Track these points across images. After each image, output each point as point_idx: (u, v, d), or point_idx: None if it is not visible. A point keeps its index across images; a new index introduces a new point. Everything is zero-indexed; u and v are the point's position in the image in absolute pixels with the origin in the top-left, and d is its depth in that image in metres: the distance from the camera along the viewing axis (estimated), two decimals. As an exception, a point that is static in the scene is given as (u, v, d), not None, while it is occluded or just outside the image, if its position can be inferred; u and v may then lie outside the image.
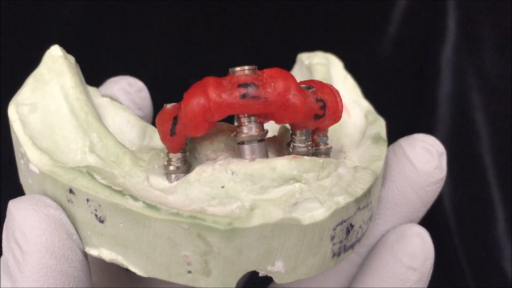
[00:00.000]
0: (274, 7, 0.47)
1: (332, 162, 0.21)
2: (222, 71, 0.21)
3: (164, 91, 0.45)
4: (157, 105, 0.44)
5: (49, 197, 0.21)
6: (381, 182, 0.24)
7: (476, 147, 0.44)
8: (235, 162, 0.20)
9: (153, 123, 0.27)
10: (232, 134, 0.21)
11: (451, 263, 0.42)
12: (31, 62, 0.25)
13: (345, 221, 0.21)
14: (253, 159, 0.20)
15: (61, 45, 0.25)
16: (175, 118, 0.20)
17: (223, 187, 0.20)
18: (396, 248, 0.24)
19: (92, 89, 0.25)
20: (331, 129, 0.25)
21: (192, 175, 0.20)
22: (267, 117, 0.20)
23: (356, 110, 0.27)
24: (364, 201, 0.22)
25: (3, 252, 0.21)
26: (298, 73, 0.30)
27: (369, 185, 0.22)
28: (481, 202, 0.43)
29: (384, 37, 0.47)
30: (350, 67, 0.48)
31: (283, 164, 0.20)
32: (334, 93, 0.21)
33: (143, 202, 0.19)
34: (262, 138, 0.20)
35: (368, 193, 0.22)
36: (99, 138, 0.22)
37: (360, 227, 0.22)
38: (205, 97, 0.19)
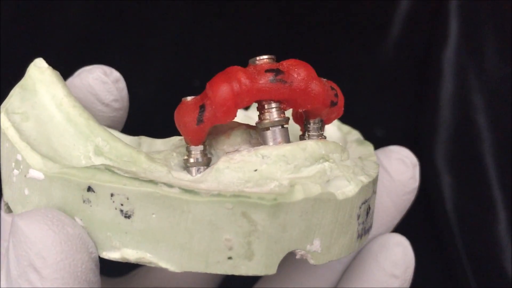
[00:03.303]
0: (276, 9, 0.47)
1: (346, 149, 0.22)
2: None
3: (168, 93, 0.45)
4: (162, 105, 0.45)
5: (56, 204, 0.20)
6: None
7: (478, 149, 0.44)
8: (263, 147, 0.21)
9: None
10: (257, 122, 0.21)
11: (452, 263, 0.43)
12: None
13: (366, 201, 0.22)
14: (278, 143, 0.21)
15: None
16: (202, 106, 0.20)
17: (255, 170, 0.20)
18: (380, 256, 0.25)
19: None
20: None
21: (221, 163, 0.20)
22: (288, 104, 0.21)
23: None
24: (375, 185, 0.23)
25: (9, 274, 0.19)
26: None
27: (377, 171, 0.23)
28: (483, 203, 0.43)
29: (386, 39, 0.47)
30: (353, 69, 0.48)
31: (312, 144, 0.21)
32: (337, 86, 0.23)
33: (179, 188, 0.19)
34: (285, 123, 0.21)
35: (376, 179, 0.23)
36: (105, 141, 0.22)
37: (373, 212, 0.23)
38: (237, 81, 0.20)
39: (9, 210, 0.22)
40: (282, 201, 0.19)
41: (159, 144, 0.24)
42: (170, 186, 0.19)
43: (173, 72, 0.47)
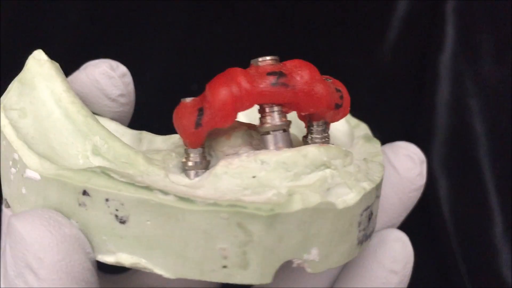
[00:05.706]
0: (274, 13, 0.47)
1: (350, 152, 0.22)
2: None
3: (167, 95, 0.45)
4: (161, 108, 0.45)
5: (53, 205, 0.20)
6: None
7: (474, 152, 0.45)
8: (263, 152, 0.20)
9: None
10: (258, 126, 0.21)
11: (448, 267, 0.43)
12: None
13: (368, 208, 0.21)
14: (279, 149, 0.20)
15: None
16: (201, 110, 0.20)
17: (254, 177, 0.20)
18: (379, 252, 0.24)
19: None
20: None
21: (219, 168, 0.20)
22: (291, 107, 0.20)
23: None
24: (379, 190, 0.22)
25: (5, 275, 0.19)
26: None
27: (382, 174, 0.22)
28: (479, 207, 0.43)
29: (383, 43, 0.47)
30: (349, 73, 0.48)
31: (313, 151, 0.20)
32: (344, 86, 0.22)
33: (174, 195, 0.19)
34: (286, 128, 0.20)
35: (380, 183, 0.22)
36: (103, 140, 0.21)
37: (375, 216, 0.23)
38: (236, 85, 0.19)
39: (8, 205, 0.22)
40: (279, 211, 0.18)
41: (160, 141, 0.24)
42: (165, 193, 0.19)
43: (171, 76, 0.47)
